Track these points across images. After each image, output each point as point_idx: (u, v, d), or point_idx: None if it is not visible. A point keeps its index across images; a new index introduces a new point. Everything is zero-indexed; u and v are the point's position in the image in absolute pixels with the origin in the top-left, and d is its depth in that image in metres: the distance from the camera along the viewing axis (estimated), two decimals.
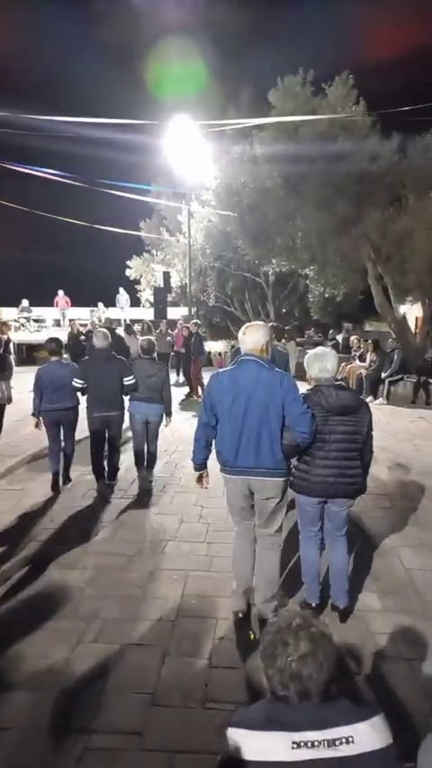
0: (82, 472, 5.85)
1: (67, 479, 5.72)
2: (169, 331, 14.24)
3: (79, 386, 5.34)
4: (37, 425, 5.54)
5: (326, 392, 3.05)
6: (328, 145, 11.86)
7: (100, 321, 18.69)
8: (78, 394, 5.53)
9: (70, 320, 17.39)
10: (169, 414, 5.60)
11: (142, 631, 3.11)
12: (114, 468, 5.69)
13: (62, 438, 5.63)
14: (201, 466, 3.31)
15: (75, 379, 5.35)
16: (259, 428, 2.95)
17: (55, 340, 5.78)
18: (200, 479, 3.38)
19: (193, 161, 17.04)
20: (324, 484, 3.06)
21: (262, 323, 3.29)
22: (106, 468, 5.61)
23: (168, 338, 13.57)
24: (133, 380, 5.36)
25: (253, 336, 3.06)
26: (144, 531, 4.51)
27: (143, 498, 5.28)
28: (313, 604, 3.30)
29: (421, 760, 1.32)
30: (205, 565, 3.90)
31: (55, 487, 5.49)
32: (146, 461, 5.63)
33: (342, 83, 12.67)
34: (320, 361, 3.13)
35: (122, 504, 5.11)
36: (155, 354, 5.67)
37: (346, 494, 3.12)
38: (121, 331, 12.99)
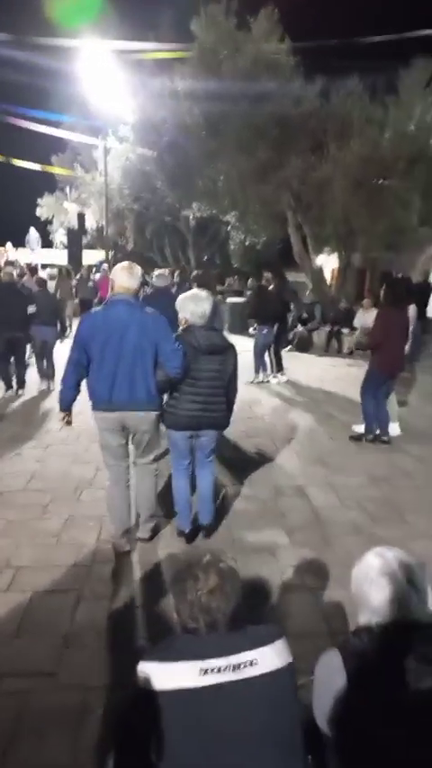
0: None
1: None
2: (91, 276, 13.55)
3: None
4: None
5: (197, 333, 3.23)
6: (250, 84, 11.48)
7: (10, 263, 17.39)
8: None
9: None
10: (63, 333, 7.62)
11: (57, 578, 3.10)
12: (22, 380, 7.09)
13: None
14: (68, 406, 3.29)
15: None
16: (133, 365, 3.09)
17: None
18: (65, 419, 3.36)
19: (109, 92, 15.84)
20: (190, 417, 3.28)
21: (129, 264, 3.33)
22: (15, 380, 7.02)
23: (90, 283, 12.93)
24: (35, 309, 6.87)
25: (129, 277, 3.17)
26: (59, 480, 4.43)
27: (58, 447, 5.18)
28: (186, 531, 3.55)
29: (317, 674, 1.44)
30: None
31: None
32: (47, 374, 7.29)
33: (267, 16, 12.17)
34: (195, 304, 3.25)
35: (37, 455, 4.98)
36: (47, 287, 7.64)
37: (211, 425, 3.37)
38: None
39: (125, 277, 3.17)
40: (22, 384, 7.06)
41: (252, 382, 7.93)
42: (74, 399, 3.29)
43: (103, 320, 3.11)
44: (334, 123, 11.93)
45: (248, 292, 15.43)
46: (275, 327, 8.08)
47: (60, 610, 2.82)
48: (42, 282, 7.52)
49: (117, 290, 3.19)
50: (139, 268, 3.30)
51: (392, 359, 5.42)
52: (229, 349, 3.35)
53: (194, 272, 7.45)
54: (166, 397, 3.36)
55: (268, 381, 8.22)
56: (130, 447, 3.41)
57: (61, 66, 14.96)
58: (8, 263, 12.42)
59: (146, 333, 3.09)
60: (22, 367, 7.05)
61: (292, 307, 8.75)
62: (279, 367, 8.54)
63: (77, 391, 3.26)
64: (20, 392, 6.98)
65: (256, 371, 8.12)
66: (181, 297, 3.35)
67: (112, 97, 16.18)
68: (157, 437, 3.43)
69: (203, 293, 3.38)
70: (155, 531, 3.54)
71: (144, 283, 6.45)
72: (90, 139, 20.76)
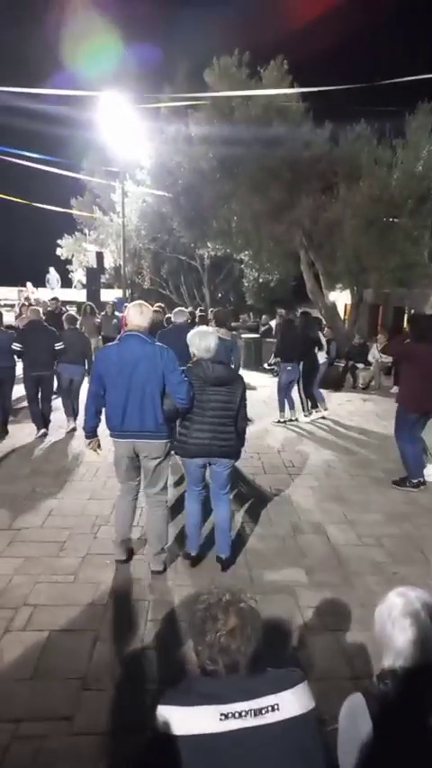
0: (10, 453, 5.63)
1: (4, 432, 6.67)
2: (116, 314, 13.81)
3: (18, 349, 6.49)
4: None
5: (204, 365, 3.41)
6: (262, 129, 11.89)
7: (28, 301, 17.89)
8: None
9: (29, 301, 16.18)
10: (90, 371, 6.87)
11: (73, 617, 3.07)
12: (47, 420, 6.86)
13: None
14: (92, 433, 3.59)
15: (14, 344, 6.46)
16: (142, 395, 3.31)
17: None
18: (91, 445, 3.65)
19: (127, 138, 16.56)
20: (200, 446, 3.42)
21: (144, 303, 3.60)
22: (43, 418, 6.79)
23: (114, 321, 13.17)
24: (62, 346, 6.65)
25: (140, 315, 3.44)
26: (77, 517, 4.43)
27: (75, 483, 5.19)
28: (192, 554, 3.65)
29: (342, 720, 1.40)
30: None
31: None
32: (72, 412, 7.02)
33: (277, 67, 12.69)
34: (201, 340, 3.44)
35: (55, 491, 4.99)
36: (77, 325, 7.34)
37: (221, 454, 3.48)
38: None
39: (137, 315, 3.44)
40: (46, 424, 6.81)
41: (279, 421, 7.76)
42: (96, 426, 3.57)
43: (117, 354, 3.36)
44: (343, 165, 12.23)
45: (263, 328, 15.61)
46: (300, 365, 7.86)
47: (77, 650, 2.78)
48: (73, 320, 7.19)
49: (130, 327, 3.46)
50: (149, 307, 3.57)
51: (421, 395, 5.12)
52: (236, 380, 3.51)
53: (213, 311, 7.56)
54: (179, 426, 3.53)
55: (297, 419, 7.91)
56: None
57: (81, 115, 15.72)
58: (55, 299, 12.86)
59: (154, 365, 3.31)
60: (47, 405, 6.84)
61: (323, 343, 8.39)
62: (312, 404, 8.20)
63: (98, 419, 3.53)
64: (42, 431, 6.69)
65: (281, 409, 7.84)
66: (190, 333, 3.55)
67: (129, 143, 16.91)
68: (166, 466, 3.58)
69: (209, 329, 3.65)
70: (167, 563, 3.62)
71: (167, 320, 6.61)
72: (109, 183, 21.60)
